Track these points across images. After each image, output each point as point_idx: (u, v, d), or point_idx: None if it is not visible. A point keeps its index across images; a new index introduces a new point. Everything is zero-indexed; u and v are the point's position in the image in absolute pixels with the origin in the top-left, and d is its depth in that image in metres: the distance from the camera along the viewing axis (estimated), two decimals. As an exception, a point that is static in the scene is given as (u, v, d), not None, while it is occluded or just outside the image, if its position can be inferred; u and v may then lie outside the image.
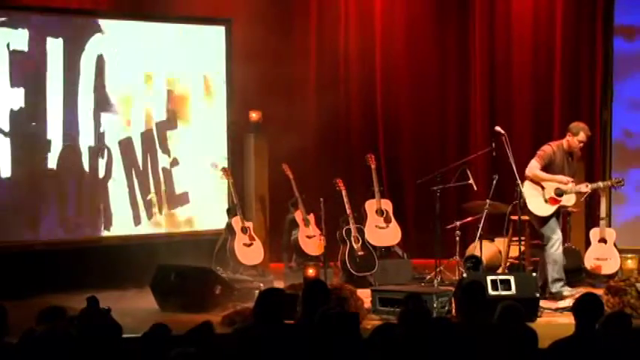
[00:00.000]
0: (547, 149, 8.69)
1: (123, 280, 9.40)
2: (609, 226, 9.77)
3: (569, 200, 8.72)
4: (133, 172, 10.24)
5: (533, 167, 8.64)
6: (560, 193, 8.66)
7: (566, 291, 8.59)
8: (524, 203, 8.60)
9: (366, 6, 11.69)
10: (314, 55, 11.71)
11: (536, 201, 8.62)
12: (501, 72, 11.51)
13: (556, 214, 8.72)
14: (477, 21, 11.49)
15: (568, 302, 8.09)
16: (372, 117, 11.75)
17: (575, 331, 5.14)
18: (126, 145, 10.19)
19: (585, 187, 8.84)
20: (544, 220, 8.66)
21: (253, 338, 5.18)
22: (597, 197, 9.76)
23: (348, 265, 9.71)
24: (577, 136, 8.68)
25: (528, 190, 8.63)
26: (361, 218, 10.07)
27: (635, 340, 4.91)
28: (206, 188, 10.61)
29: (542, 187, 8.67)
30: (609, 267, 9.53)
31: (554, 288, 8.63)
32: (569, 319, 5.59)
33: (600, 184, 9.06)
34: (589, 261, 9.55)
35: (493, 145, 9.16)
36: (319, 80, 11.71)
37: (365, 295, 8.22)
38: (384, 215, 10.12)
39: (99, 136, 10.04)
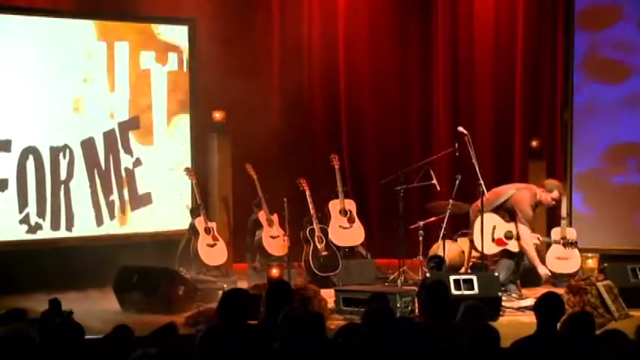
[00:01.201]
0: (529, 207, 8.84)
1: (85, 281, 9.32)
2: (570, 225, 9.86)
3: (513, 246, 8.89)
4: (96, 173, 10.17)
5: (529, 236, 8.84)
6: (509, 236, 8.80)
7: (514, 292, 8.68)
8: (471, 238, 8.73)
9: (329, 5, 11.70)
10: (277, 55, 11.70)
11: (481, 237, 8.73)
12: (464, 72, 11.58)
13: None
14: (440, 21, 11.55)
15: (530, 301, 8.17)
16: (336, 117, 11.78)
17: (536, 330, 5.18)
18: (88, 145, 10.12)
19: (537, 240, 9.03)
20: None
21: (217, 339, 5.16)
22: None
23: (312, 265, 9.72)
24: (551, 193, 8.91)
25: (479, 225, 8.73)
26: (325, 218, 10.07)
27: (596, 340, 4.96)
28: (169, 188, 10.56)
29: (494, 226, 8.79)
30: (570, 266, 9.62)
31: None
32: (531, 318, 5.63)
33: (549, 239, 9.34)
34: (550, 260, 9.64)
35: (456, 145, 9.22)
36: (282, 80, 11.70)
37: (329, 295, 8.24)
38: (348, 215, 10.13)
39: (61, 136, 9.96)
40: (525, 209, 8.91)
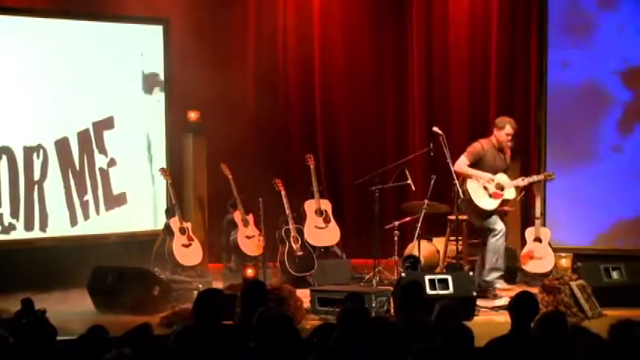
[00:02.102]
0: (476, 146, 8.85)
1: (59, 281, 9.28)
2: (544, 225, 9.93)
3: (510, 194, 8.87)
4: (70, 173, 10.12)
5: (461, 163, 8.79)
6: (501, 187, 8.80)
7: (499, 283, 8.71)
8: (470, 200, 8.71)
9: (304, 5, 11.70)
10: (252, 56, 11.69)
11: (481, 196, 8.75)
12: (438, 73, 11.61)
13: (494, 212, 8.87)
14: (415, 21, 11.57)
15: (504, 301, 8.20)
16: (311, 117, 11.78)
17: (510, 330, 5.21)
18: (62, 145, 10.07)
19: (522, 181, 9.00)
20: (487, 215, 8.79)
21: (192, 339, 5.16)
22: (532, 197, 9.91)
23: (287, 265, 9.72)
24: (503, 129, 8.84)
25: (472, 187, 8.75)
26: (300, 218, 10.07)
27: (569, 339, 4.99)
28: (144, 189, 10.53)
29: (484, 185, 8.79)
30: (544, 266, 9.68)
31: (489, 276, 8.74)
32: (505, 318, 5.66)
33: (535, 177, 9.23)
34: (524, 260, 9.70)
35: (431, 145, 9.25)
36: (258, 80, 11.70)
37: (304, 295, 8.24)
38: (323, 215, 10.14)
39: (34, 136, 9.90)
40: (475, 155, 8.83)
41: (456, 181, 8.70)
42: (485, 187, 8.79)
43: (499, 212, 9.05)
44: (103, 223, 10.31)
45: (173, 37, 10.69)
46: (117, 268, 8.75)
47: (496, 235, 8.81)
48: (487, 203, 8.77)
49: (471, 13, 11.43)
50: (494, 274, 8.77)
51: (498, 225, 8.83)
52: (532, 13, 11.05)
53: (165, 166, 10.37)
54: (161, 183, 10.36)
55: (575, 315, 7.77)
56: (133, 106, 10.51)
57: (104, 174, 10.32)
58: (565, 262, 9.81)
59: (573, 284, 7.99)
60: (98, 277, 8.69)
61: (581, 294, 7.95)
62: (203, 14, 11.05)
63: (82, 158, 10.20)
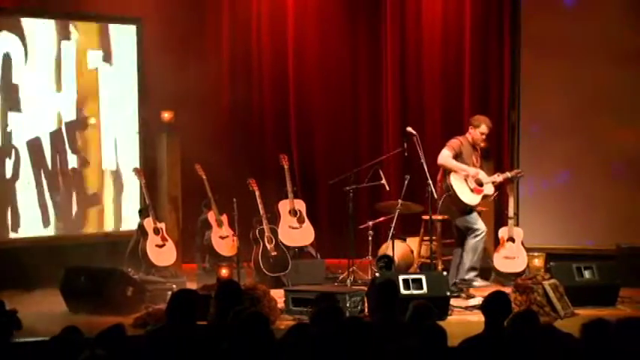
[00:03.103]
0: (456, 141, 8.91)
1: (31, 282, 9.21)
2: (517, 225, 9.99)
3: (489, 189, 8.93)
4: (42, 173, 10.06)
5: (446, 156, 8.79)
6: (480, 182, 8.86)
7: (478, 282, 8.77)
8: (454, 195, 8.73)
9: (278, 6, 11.70)
10: (226, 55, 11.68)
11: (465, 191, 8.79)
12: (412, 73, 11.64)
13: (476, 210, 8.94)
14: (389, 22, 11.59)
15: (477, 300, 8.25)
16: (285, 117, 11.77)
17: (484, 329, 5.24)
18: (34, 145, 10.01)
19: (497, 177, 9.05)
20: (468, 213, 8.83)
21: (166, 340, 5.15)
22: (506, 197, 9.97)
23: (262, 265, 9.71)
24: (478, 128, 8.89)
25: (456, 182, 8.79)
26: (274, 218, 10.07)
27: (540, 338, 5.03)
28: (117, 189, 10.48)
29: (465, 179, 8.83)
30: (517, 265, 9.74)
31: (468, 275, 8.78)
32: (478, 317, 5.69)
33: (508, 173, 9.29)
34: (497, 260, 9.75)
35: (405, 145, 9.27)
36: (232, 80, 11.68)
37: (278, 295, 8.24)
38: (298, 215, 10.14)
39: (6, 136, 9.83)
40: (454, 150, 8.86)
41: (430, 181, 8.73)
42: (467, 183, 8.85)
43: (479, 211, 9.13)
44: (76, 223, 10.26)
45: (146, 37, 10.64)
46: (90, 269, 8.71)
47: (478, 235, 8.86)
48: (470, 198, 8.84)
49: (445, 13, 11.47)
50: (473, 273, 8.83)
51: (480, 225, 8.89)
52: (505, 13, 11.11)
53: (138, 167, 10.33)
54: (135, 183, 10.32)
55: (547, 314, 7.82)
56: (105, 105, 10.46)
57: (77, 174, 10.27)
58: (538, 261, 9.88)
59: (546, 284, 8.04)
60: (71, 277, 8.64)
61: (553, 293, 8.00)
62: (176, 14, 11.01)
63: (55, 158, 10.14)
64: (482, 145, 8.98)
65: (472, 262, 8.83)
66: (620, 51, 10.40)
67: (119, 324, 5.02)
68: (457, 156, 8.81)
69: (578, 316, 7.91)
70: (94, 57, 10.38)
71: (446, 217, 9.32)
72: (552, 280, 8.16)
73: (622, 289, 8.68)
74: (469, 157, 8.86)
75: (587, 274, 8.69)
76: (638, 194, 10.33)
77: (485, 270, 9.87)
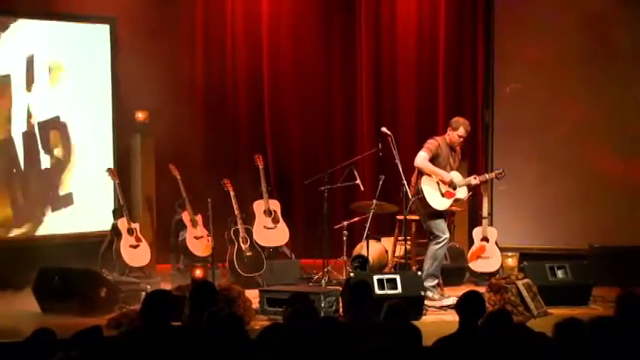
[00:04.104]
0: (433, 142, 8.85)
1: (3, 283, 9.16)
2: (491, 225, 10.03)
3: (462, 192, 8.90)
4: (14, 173, 9.98)
5: (422, 158, 8.75)
6: (454, 186, 8.83)
7: (431, 292, 8.63)
8: (423, 198, 8.72)
9: (252, 5, 11.69)
10: (201, 55, 11.65)
11: (435, 195, 8.77)
12: (387, 73, 11.67)
13: (444, 215, 8.90)
14: (363, 22, 11.62)
15: (452, 300, 8.28)
16: (260, 117, 11.76)
17: (458, 329, 5.26)
18: (6, 144, 9.94)
19: (474, 179, 9.03)
20: (435, 218, 8.82)
21: (140, 340, 5.12)
22: (480, 197, 10.02)
23: (236, 265, 9.69)
24: (457, 130, 8.87)
25: (427, 186, 8.76)
26: (249, 219, 10.06)
27: (514, 337, 5.06)
28: (91, 189, 10.43)
29: (438, 182, 8.81)
30: (491, 265, 9.79)
31: (426, 282, 8.75)
32: (453, 317, 5.71)
33: (486, 175, 9.27)
34: (472, 260, 9.80)
35: (379, 145, 9.28)
36: (206, 80, 11.66)
37: (253, 295, 8.23)
38: (272, 216, 10.13)
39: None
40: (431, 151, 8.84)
41: (405, 181, 8.74)
42: (439, 186, 8.82)
43: (448, 216, 9.13)
44: (49, 224, 10.20)
45: (120, 36, 10.60)
46: (63, 270, 8.65)
47: (439, 242, 8.79)
48: (440, 203, 8.78)
49: (419, 13, 11.51)
50: (431, 282, 8.73)
51: (443, 233, 8.80)
52: (479, 14, 11.16)
53: (112, 167, 10.28)
54: (108, 183, 10.27)
55: (521, 314, 7.86)
56: (79, 105, 10.40)
57: (50, 174, 10.21)
58: (512, 261, 9.93)
59: (520, 283, 8.09)
60: (44, 278, 8.58)
61: (527, 293, 8.05)
62: (150, 14, 10.95)
63: (27, 158, 10.07)
64: (457, 147, 8.99)
65: (431, 270, 8.76)
66: (592, 49, 10.47)
67: (96, 326, 5.00)
68: (434, 157, 8.80)
69: (552, 315, 7.96)
70: (67, 56, 10.32)
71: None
72: (526, 280, 8.21)
73: (594, 288, 8.75)
74: (446, 158, 8.87)
75: (560, 273, 8.75)
76: (610, 194, 10.41)
77: (460, 270, 9.93)
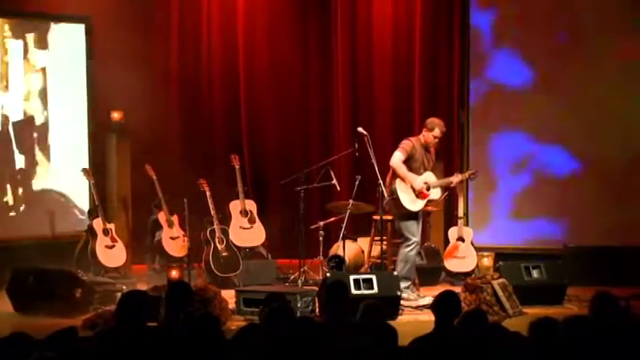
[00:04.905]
0: (408, 143, 8.86)
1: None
2: (467, 225, 10.07)
3: (436, 194, 8.91)
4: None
5: (397, 158, 8.75)
6: (428, 187, 8.84)
7: (406, 293, 8.61)
8: (397, 199, 8.72)
9: (228, 4, 11.67)
10: (176, 55, 11.62)
11: (408, 196, 8.77)
12: (363, 73, 11.69)
13: (417, 217, 8.89)
14: (339, 21, 11.63)
15: (428, 300, 8.30)
16: (236, 117, 11.75)
17: (434, 329, 5.28)
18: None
19: (457, 178, 9.04)
20: (407, 219, 8.82)
21: (115, 341, 5.11)
22: (455, 197, 10.05)
23: (212, 266, 9.68)
24: (432, 131, 8.88)
25: (400, 186, 8.77)
26: (225, 219, 10.04)
27: (489, 337, 5.08)
28: (66, 189, 10.37)
29: (411, 184, 8.81)
30: (467, 265, 9.83)
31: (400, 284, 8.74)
32: (429, 317, 5.72)
33: (459, 175, 9.24)
34: (448, 259, 9.83)
35: (356, 145, 9.28)
36: (182, 80, 11.63)
37: (229, 295, 8.22)
38: (249, 216, 10.12)
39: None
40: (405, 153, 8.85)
41: (381, 181, 8.74)
42: (412, 187, 8.83)
43: (424, 216, 9.13)
44: (23, 224, 10.13)
45: (95, 36, 10.55)
46: (38, 270, 8.60)
47: (409, 245, 8.79)
48: (413, 204, 8.79)
49: (395, 14, 11.53)
50: (404, 284, 8.70)
51: (414, 236, 8.79)
52: (454, 14, 11.20)
53: (88, 167, 10.23)
54: (84, 184, 10.22)
55: (497, 313, 7.90)
56: (54, 105, 10.34)
57: (25, 174, 10.14)
58: (487, 261, 9.97)
59: (495, 283, 8.12)
60: (18, 278, 8.53)
61: (502, 293, 8.08)
62: (125, 12, 10.92)
63: (2, 159, 10.00)
64: (432, 148, 9.00)
65: (403, 272, 8.73)
66: (569, 45, 10.53)
67: (72, 326, 4.98)
68: (409, 158, 8.82)
69: (527, 314, 8.00)
70: (42, 56, 10.27)
71: (395, 217, 9.35)
72: (501, 280, 8.25)
73: (569, 288, 8.81)
74: (421, 158, 8.88)
75: (535, 273, 8.80)
76: (584, 195, 10.47)
77: (436, 270, 9.96)
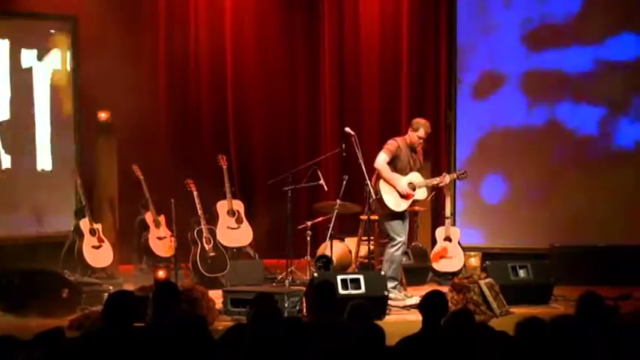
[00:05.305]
0: (393, 143, 8.86)
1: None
2: (454, 224, 10.09)
3: (421, 194, 8.90)
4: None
5: (382, 160, 8.75)
6: (414, 187, 8.83)
7: (394, 293, 8.60)
8: (381, 199, 8.72)
9: (216, 5, 11.65)
10: (163, 54, 11.59)
11: (392, 197, 8.77)
12: (350, 73, 11.69)
13: (403, 217, 8.89)
14: (326, 21, 11.63)
15: (415, 300, 8.31)
16: (223, 117, 11.73)
17: (421, 328, 5.29)
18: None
19: (447, 178, 9.02)
20: (392, 219, 8.82)
21: (102, 342, 5.10)
22: (443, 197, 10.07)
23: (200, 266, 9.66)
24: (417, 132, 8.88)
25: (385, 187, 8.76)
26: (213, 219, 10.03)
27: (476, 336, 5.09)
28: (53, 189, 10.34)
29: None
30: (454, 265, 9.84)
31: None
32: (416, 317, 5.73)
33: (447, 176, 9.21)
34: (435, 259, 9.85)
35: (343, 145, 9.29)
36: (169, 79, 11.61)
37: (216, 296, 8.21)
38: (236, 216, 10.12)
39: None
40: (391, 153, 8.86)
41: (368, 181, 8.75)
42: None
43: (411, 216, 9.12)
44: (10, 224, 10.09)
45: (81, 35, 10.51)
46: (24, 270, 8.57)
47: (395, 245, 8.78)
48: (398, 204, 8.79)
49: (382, 14, 11.54)
50: (390, 284, 8.70)
51: (400, 236, 8.78)
52: (441, 14, 11.21)
53: (74, 167, 10.20)
54: (70, 184, 10.19)
55: (483, 313, 7.91)
56: (40, 105, 10.31)
57: (10, 174, 10.11)
58: (474, 260, 10.00)
59: (482, 283, 8.13)
60: (4, 279, 8.49)
61: (489, 292, 8.10)
62: (112, 11, 10.88)
63: (-12, 158, 9.98)
64: (419, 148, 9.00)
65: (389, 272, 8.72)
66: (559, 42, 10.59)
67: (59, 327, 4.96)
68: (394, 158, 8.82)
69: (514, 314, 8.02)
70: (28, 55, 10.23)
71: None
72: (488, 279, 8.26)
73: (555, 287, 8.83)
74: (406, 159, 8.89)
75: (521, 273, 8.82)
76: (571, 195, 10.50)
77: (423, 269, 9.97)
